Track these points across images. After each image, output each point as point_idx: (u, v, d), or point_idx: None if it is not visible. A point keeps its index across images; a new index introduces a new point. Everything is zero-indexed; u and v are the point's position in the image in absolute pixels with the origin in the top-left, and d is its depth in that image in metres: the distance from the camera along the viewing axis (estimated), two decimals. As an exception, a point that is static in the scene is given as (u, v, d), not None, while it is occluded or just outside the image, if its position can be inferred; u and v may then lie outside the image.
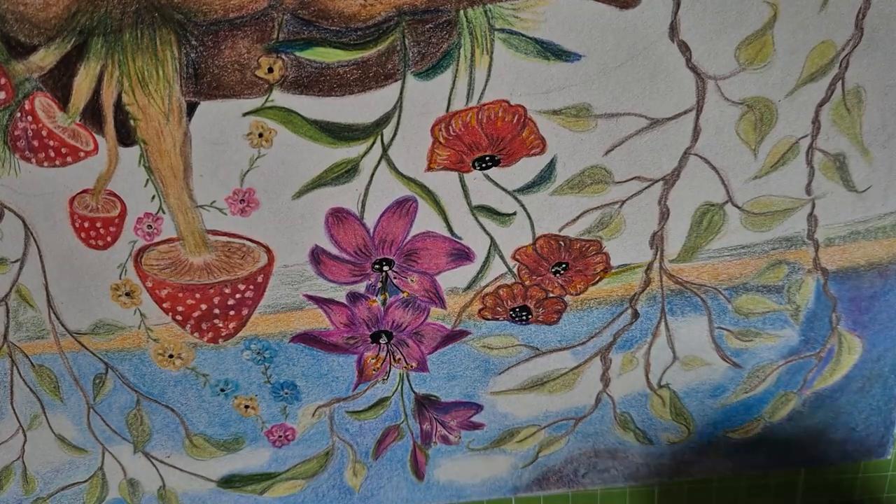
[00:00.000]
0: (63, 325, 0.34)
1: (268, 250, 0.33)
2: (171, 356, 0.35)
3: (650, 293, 0.34)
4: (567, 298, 0.34)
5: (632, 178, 0.31)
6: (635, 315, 0.35)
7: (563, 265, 0.33)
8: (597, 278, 0.34)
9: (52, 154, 0.30)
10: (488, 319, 0.35)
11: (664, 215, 0.32)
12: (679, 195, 0.32)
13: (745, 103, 0.30)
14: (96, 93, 0.29)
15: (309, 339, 0.35)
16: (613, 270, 0.34)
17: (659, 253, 0.33)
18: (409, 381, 0.37)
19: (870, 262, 0.34)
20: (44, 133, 0.30)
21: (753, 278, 0.34)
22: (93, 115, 0.29)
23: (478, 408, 0.37)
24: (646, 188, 0.32)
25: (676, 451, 0.39)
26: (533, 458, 0.39)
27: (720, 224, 0.33)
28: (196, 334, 0.35)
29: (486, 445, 0.38)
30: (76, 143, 0.30)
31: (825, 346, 0.36)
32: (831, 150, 0.31)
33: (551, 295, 0.34)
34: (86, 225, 0.32)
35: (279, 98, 0.29)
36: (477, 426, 0.38)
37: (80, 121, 0.30)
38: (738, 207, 0.32)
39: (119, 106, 0.29)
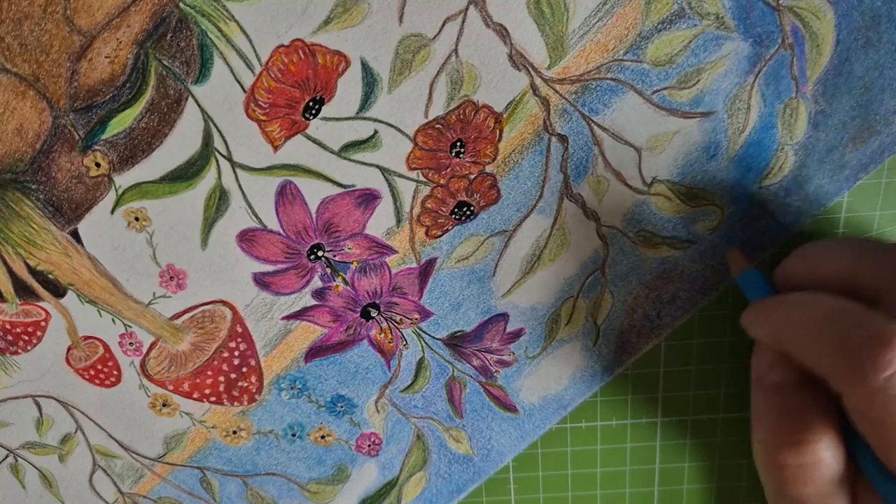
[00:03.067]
0: (146, 457, 0.39)
1: (223, 302, 0.34)
2: (234, 432, 0.38)
3: (558, 110, 0.31)
4: (489, 169, 0.32)
5: (443, 24, 0.29)
6: (563, 139, 0.31)
7: (459, 143, 0.31)
8: (498, 133, 0.31)
9: (26, 337, 0.35)
10: (440, 235, 0.33)
11: (502, 31, 0.29)
12: (502, 6, 0.29)
13: None
14: (12, 273, 0.33)
15: (317, 351, 0.36)
16: (505, 115, 0.31)
17: (530, 69, 0.30)
18: (425, 333, 0.36)
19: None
20: (7, 326, 0.34)
21: (645, 22, 0.29)
22: (24, 290, 0.33)
23: (504, 317, 0.35)
24: (463, 22, 0.29)
25: (725, 235, 0.34)
26: (595, 330, 0.36)
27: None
28: (236, 403, 0.37)
29: (542, 346, 0.36)
30: (33, 318, 0.34)
31: (784, 28, 0.30)
32: None
33: (472, 176, 0.32)
34: (91, 373, 0.36)
35: (123, 180, 0.31)
36: (517, 334, 0.36)
37: (21, 301, 0.34)
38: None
39: (34, 270, 0.33)
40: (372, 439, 0.38)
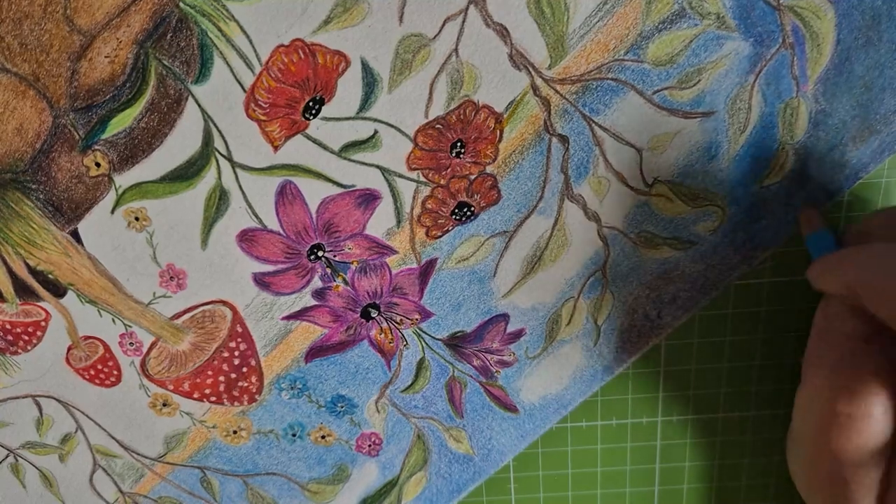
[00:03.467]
0: (146, 456, 0.39)
1: (223, 302, 0.34)
2: (234, 432, 0.38)
3: (559, 110, 0.31)
4: (490, 169, 0.32)
5: (443, 24, 0.29)
6: (564, 140, 0.31)
7: (459, 143, 0.31)
8: (498, 133, 0.31)
9: (26, 337, 0.35)
10: (441, 236, 0.33)
11: (502, 31, 0.29)
12: (502, 6, 0.29)
13: None
14: (12, 273, 0.33)
15: (318, 351, 0.36)
16: (505, 115, 0.31)
17: (530, 69, 0.30)
18: (425, 333, 0.36)
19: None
20: (8, 326, 0.34)
21: (646, 22, 0.29)
22: (24, 290, 0.33)
23: (504, 317, 0.35)
24: (463, 21, 0.29)
25: (726, 235, 0.34)
26: (596, 330, 0.36)
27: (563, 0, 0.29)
28: (236, 403, 0.37)
29: (543, 346, 0.36)
30: (33, 318, 0.34)
31: (784, 28, 0.30)
32: None
33: (473, 176, 0.32)
34: (91, 372, 0.36)
35: (123, 180, 0.31)
36: (518, 334, 0.36)
37: (21, 301, 0.34)
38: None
39: (34, 270, 0.33)
40: (372, 439, 0.38)
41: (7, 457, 0.39)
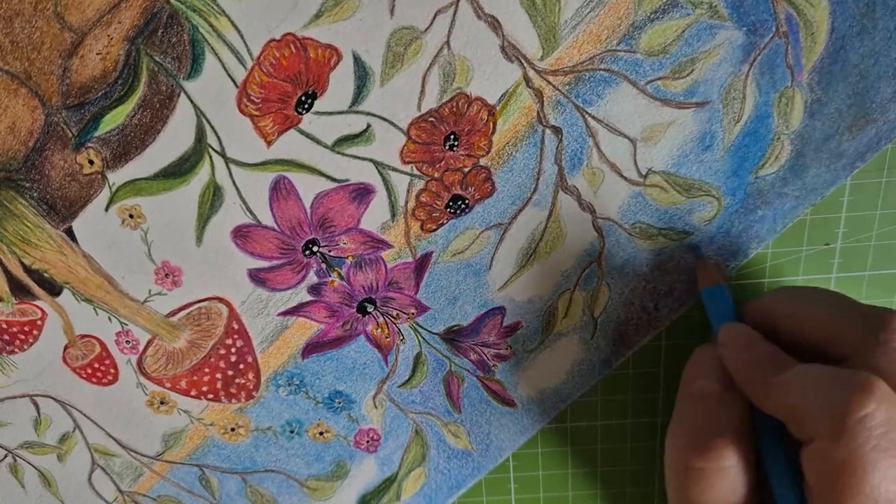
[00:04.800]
0: (144, 455, 0.38)
1: (219, 299, 0.34)
2: (232, 429, 0.38)
3: (552, 101, 0.31)
4: (483, 162, 0.32)
5: (434, 16, 0.29)
6: (557, 131, 0.31)
7: (453, 136, 0.31)
8: (491, 125, 0.31)
9: (22, 336, 0.35)
10: (435, 229, 0.33)
11: (494, 23, 0.29)
12: (493, -5, 0.29)
13: None
14: (7, 272, 0.33)
15: (314, 347, 0.36)
16: (498, 107, 0.31)
17: (523, 60, 0.30)
18: (422, 327, 0.36)
19: None
20: (3, 326, 0.34)
21: (638, 11, 0.29)
22: (20, 289, 0.33)
23: (500, 311, 0.35)
24: (455, 13, 0.29)
25: (723, 225, 0.33)
26: (592, 323, 0.36)
27: (554, -11, 0.29)
28: (233, 400, 0.37)
29: (539, 340, 0.36)
30: (29, 317, 0.34)
31: (778, 16, 0.29)
32: None
33: (467, 169, 0.32)
34: (88, 371, 0.36)
35: (116, 178, 0.31)
36: (515, 328, 0.36)
37: (17, 300, 0.34)
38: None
39: (29, 269, 0.33)
40: (370, 435, 0.38)
41: (5, 457, 0.39)
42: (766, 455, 0.30)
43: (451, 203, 0.33)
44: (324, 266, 0.34)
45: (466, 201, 0.33)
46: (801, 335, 0.30)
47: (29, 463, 0.39)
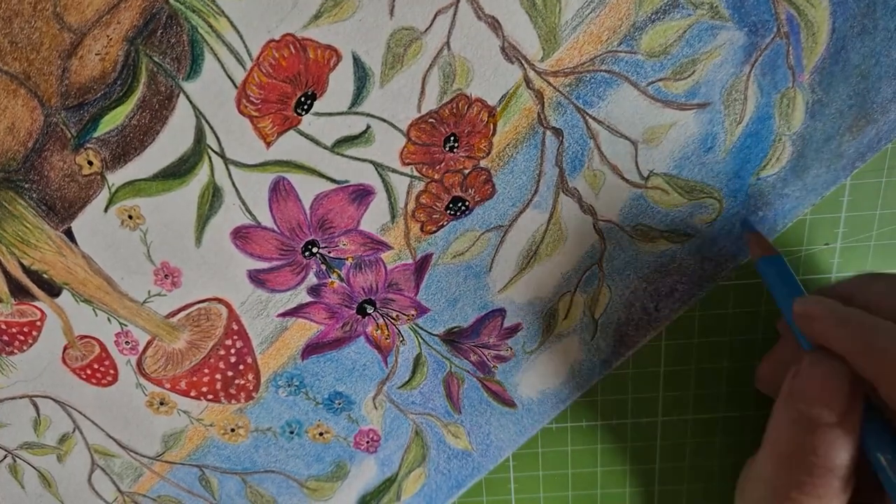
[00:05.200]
0: (144, 455, 0.38)
1: (219, 300, 0.34)
2: (232, 430, 0.38)
3: (552, 103, 0.31)
4: (483, 163, 0.32)
5: (434, 16, 0.29)
6: (558, 133, 0.31)
7: (453, 137, 0.31)
8: (491, 126, 0.31)
9: (22, 337, 0.34)
10: (435, 231, 0.33)
11: (494, 24, 0.29)
12: (493, -4, 0.29)
13: None
14: (6, 273, 0.33)
15: (314, 348, 0.36)
16: (498, 109, 0.31)
17: (523, 61, 0.30)
18: (422, 329, 0.36)
19: None
20: (3, 327, 0.34)
21: (639, 12, 0.29)
22: (19, 290, 0.33)
23: (500, 312, 0.35)
24: (455, 14, 0.29)
25: (724, 227, 0.33)
26: (593, 324, 0.36)
27: (555, -10, 0.29)
28: (233, 401, 0.37)
29: (540, 341, 0.36)
30: (28, 318, 0.34)
31: (779, 17, 0.29)
32: None
33: (467, 171, 0.32)
34: (88, 372, 0.36)
35: (116, 178, 0.31)
36: (515, 329, 0.36)
37: (16, 301, 0.34)
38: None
39: (28, 270, 0.33)
40: (370, 436, 0.38)
41: (5, 457, 0.39)
42: (873, 446, 0.27)
43: (451, 205, 0.32)
44: (323, 267, 0.34)
45: (467, 203, 0.32)
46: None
47: (29, 463, 0.39)
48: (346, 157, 0.31)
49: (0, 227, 0.32)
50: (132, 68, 0.29)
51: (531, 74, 0.30)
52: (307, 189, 0.32)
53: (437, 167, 0.32)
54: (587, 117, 0.31)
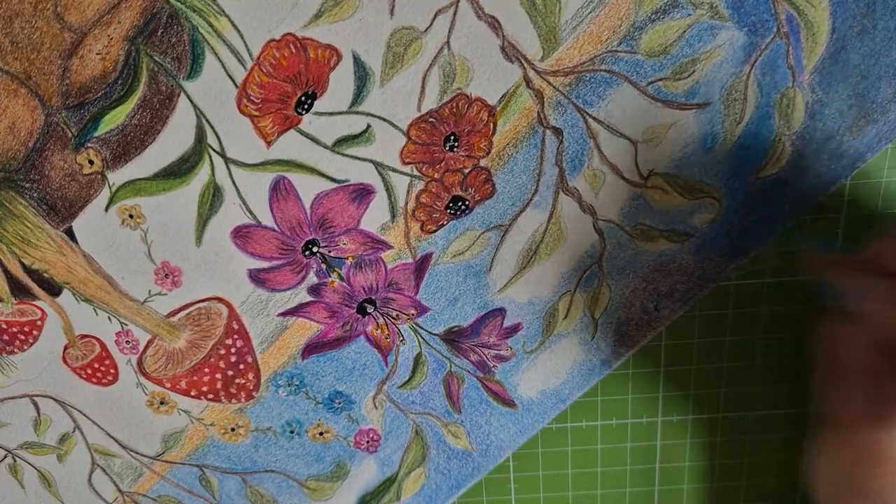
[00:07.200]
0: (144, 455, 0.38)
1: (219, 299, 0.34)
2: (232, 430, 0.38)
3: (552, 102, 0.31)
4: (483, 163, 0.32)
5: (435, 16, 0.29)
6: (558, 132, 0.31)
7: (453, 136, 0.31)
8: (491, 126, 0.31)
9: (22, 337, 0.35)
10: (435, 230, 0.33)
11: (494, 23, 0.29)
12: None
13: None
14: (7, 272, 0.33)
15: (314, 347, 0.36)
16: (498, 108, 0.31)
17: (523, 61, 0.30)
18: (422, 328, 0.36)
19: None
20: (3, 326, 0.34)
21: (638, 12, 0.29)
22: (20, 289, 0.33)
23: (501, 312, 0.35)
24: (455, 14, 0.29)
25: (723, 227, 0.33)
26: (593, 324, 0.36)
27: (555, -10, 0.29)
28: (233, 400, 0.37)
29: (540, 340, 0.36)
30: (29, 317, 0.34)
31: (779, 17, 0.29)
32: None
33: (467, 170, 0.32)
34: (88, 371, 0.36)
35: (116, 178, 0.31)
36: (515, 329, 0.36)
37: (17, 300, 0.34)
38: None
39: (29, 269, 0.33)
40: (370, 435, 0.38)
41: (5, 457, 0.39)
42: None
43: (451, 204, 0.32)
44: (324, 266, 0.34)
45: (467, 202, 0.32)
46: None
47: (29, 463, 0.39)
48: (347, 156, 0.31)
49: (1, 227, 0.32)
50: (133, 68, 0.29)
51: (531, 74, 0.30)
52: (307, 188, 0.32)
53: (437, 166, 0.32)
54: (587, 117, 0.31)
